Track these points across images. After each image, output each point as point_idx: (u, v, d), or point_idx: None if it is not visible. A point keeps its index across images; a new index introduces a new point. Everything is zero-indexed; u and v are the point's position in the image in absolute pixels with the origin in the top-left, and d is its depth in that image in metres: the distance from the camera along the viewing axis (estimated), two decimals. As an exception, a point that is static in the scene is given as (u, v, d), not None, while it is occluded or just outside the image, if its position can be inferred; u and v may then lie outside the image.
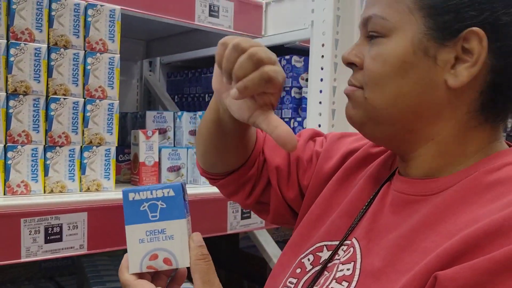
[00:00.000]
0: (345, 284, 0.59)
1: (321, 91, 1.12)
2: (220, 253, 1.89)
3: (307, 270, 0.66)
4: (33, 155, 0.92)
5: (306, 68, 1.42)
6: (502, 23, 0.53)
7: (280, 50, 1.40)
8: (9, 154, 0.89)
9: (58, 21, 0.93)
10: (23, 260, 0.84)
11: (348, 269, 0.59)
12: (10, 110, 0.89)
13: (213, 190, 0.93)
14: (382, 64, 0.56)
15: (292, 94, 1.41)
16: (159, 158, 1.15)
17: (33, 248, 0.85)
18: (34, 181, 0.92)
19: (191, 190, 1.09)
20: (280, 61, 1.48)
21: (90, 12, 0.96)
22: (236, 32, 1.25)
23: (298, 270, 0.67)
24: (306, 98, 1.36)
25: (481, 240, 0.47)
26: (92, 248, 0.92)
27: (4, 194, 0.90)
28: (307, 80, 1.29)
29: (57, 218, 0.87)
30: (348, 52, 0.61)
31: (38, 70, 0.91)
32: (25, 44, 0.89)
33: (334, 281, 0.59)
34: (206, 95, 1.78)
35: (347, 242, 0.63)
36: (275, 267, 0.73)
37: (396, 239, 0.56)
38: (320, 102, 1.13)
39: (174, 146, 1.23)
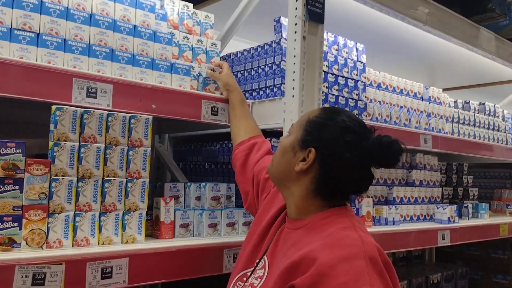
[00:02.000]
0: (259, 279, 1.14)
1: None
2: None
3: (248, 276, 1.21)
4: (92, 218, 1.35)
5: (282, 147, 1.89)
6: (326, 153, 1.12)
7: (264, 133, 1.87)
8: (77, 218, 1.32)
9: (112, 129, 1.39)
10: (87, 291, 1.25)
11: (261, 272, 1.16)
12: (79, 189, 1.33)
13: (211, 241, 1.36)
14: (279, 145, 1.25)
15: (272, 167, 1.87)
16: (174, 218, 1.58)
17: (93, 283, 1.26)
18: (92, 236, 1.35)
19: (195, 241, 1.52)
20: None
21: (132, 121, 1.43)
22: (229, 125, 1.73)
23: (244, 278, 1.21)
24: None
25: (297, 266, 1.03)
26: (130, 283, 1.33)
27: (72, 246, 1.32)
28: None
29: (109, 262, 1.29)
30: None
31: (98, 161, 1.36)
32: (90, 145, 1.35)
33: (254, 278, 1.16)
34: (206, 164, 2.24)
35: (264, 257, 1.20)
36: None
37: (281, 255, 1.12)
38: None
39: (184, 208, 1.66)
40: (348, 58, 2.19)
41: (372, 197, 2.35)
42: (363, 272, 0.99)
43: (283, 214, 1.27)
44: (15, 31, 1.33)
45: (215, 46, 1.85)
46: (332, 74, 2.09)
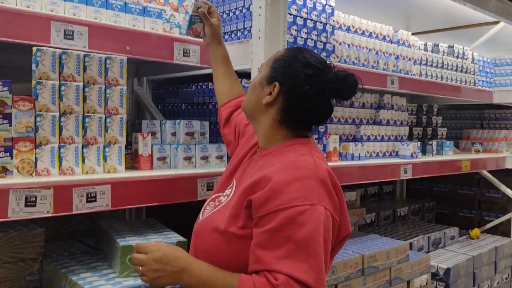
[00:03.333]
0: (226, 197, 1.30)
1: (257, 106, 1.73)
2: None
3: (220, 198, 1.35)
4: (75, 150, 1.50)
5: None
6: (288, 86, 1.26)
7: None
8: (62, 150, 1.47)
9: (90, 69, 1.51)
10: (74, 212, 1.42)
11: (228, 192, 1.32)
12: (62, 124, 1.47)
13: (186, 171, 1.53)
14: (250, 83, 1.40)
15: (243, 106, 2.01)
16: (152, 152, 1.74)
17: (79, 206, 1.43)
18: (76, 166, 1.50)
19: (172, 172, 1.68)
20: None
21: (108, 61, 1.55)
22: (202, 66, 1.85)
23: (216, 200, 1.35)
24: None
25: (257, 184, 1.17)
26: (113, 206, 1.50)
27: (59, 174, 1.47)
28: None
29: (93, 188, 1.45)
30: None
31: (78, 98, 1.49)
32: (70, 83, 1.47)
33: (222, 196, 1.33)
34: (183, 105, 2.37)
35: (233, 180, 1.35)
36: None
37: (247, 178, 1.26)
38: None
39: (161, 143, 1.82)
40: (317, 1, 2.28)
41: (340, 135, 2.53)
42: (313, 190, 1.13)
43: (255, 146, 1.41)
44: (-8, -24, 1.41)
45: (187, -10, 1.93)
46: (301, 17, 2.19)
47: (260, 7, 1.73)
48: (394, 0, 3.22)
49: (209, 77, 2.15)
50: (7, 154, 1.36)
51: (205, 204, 1.38)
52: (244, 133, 1.57)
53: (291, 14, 2.11)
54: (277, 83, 1.26)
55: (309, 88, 1.24)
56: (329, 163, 2.28)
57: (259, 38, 1.73)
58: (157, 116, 2.28)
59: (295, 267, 1.06)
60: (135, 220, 1.91)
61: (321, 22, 2.28)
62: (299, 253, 1.07)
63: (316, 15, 2.27)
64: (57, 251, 1.74)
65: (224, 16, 2.13)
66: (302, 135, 1.31)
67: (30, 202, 1.32)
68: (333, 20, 2.36)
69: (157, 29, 1.77)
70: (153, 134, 1.81)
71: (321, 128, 2.34)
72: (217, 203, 1.32)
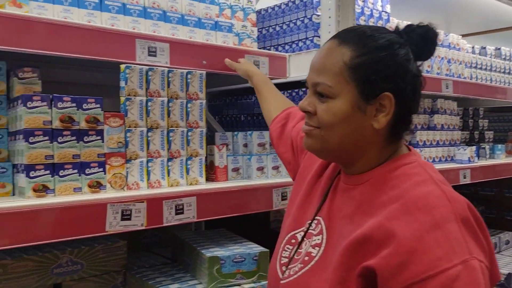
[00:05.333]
0: (317, 249, 0.97)
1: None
2: (253, 234, 2.47)
3: (298, 239, 1.06)
4: (161, 164, 1.53)
5: (316, 96, 2.04)
6: (400, 87, 0.92)
7: (299, 84, 2.02)
8: (149, 164, 1.50)
9: (173, 84, 1.55)
10: (164, 224, 1.45)
11: (318, 239, 0.99)
12: (149, 138, 1.50)
13: (261, 182, 1.55)
14: (333, 116, 0.93)
15: (308, 115, 2.03)
16: (226, 163, 1.76)
17: (169, 218, 1.46)
18: (162, 179, 1.53)
19: (248, 182, 1.70)
20: (298, 92, 2.09)
21: (189, 76, 1.58)
22: (270, 77, 1.87)
23: (293, 240, 1.08)
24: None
25: (369, 240, 0.85)
26: (198, 218, 1.52)
27: (147, 188, 1.51)
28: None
29: (181, 200, 1.48)
30: (303, 103, 0.98)
31: (163, 113, 1.53)
32: (156, 98, 1.51)
33: (311, 247, 0.99)
34: (242, 116, 2.40)
35: (317, 218, 1.04)
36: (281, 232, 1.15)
37: (342, 217, 0.96)
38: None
39: (233, 154, 1.84)
40: (373, 8, 2.29)
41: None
42: (458, 239, 0.81)
43: (332, 167, 1.12)
44: (82, -2, 1.46)
45: (251, 3, 1.97)
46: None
47: (329, 17, 1.75)
48: (433, 3, 3.22)
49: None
50: (101, 169, 1.39)
51: (282, 246, 1.10)
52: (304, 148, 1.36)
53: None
54: (387, 94, 0.91)
55: (416, 71, 0.95)
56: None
57: (330, 47, 1.74)
58: (217, 127, 2.31)
59: None
60: (207, 231, 1.93)
61: (377, 29, 2.29)
62: None
63: (373, 22, 2.28)
64: (137, 263, 1.77)
65: (284, 27, 2.15)
66: (402, 141, 1.02)
67: (126, 215, 1.35)
68: (389, 27, 2.37)
69: (228, 43, 1.80)
70: (226, 145, 1.84)
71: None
72: (303, 255, 1.01)
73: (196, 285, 1.53)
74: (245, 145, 1.85)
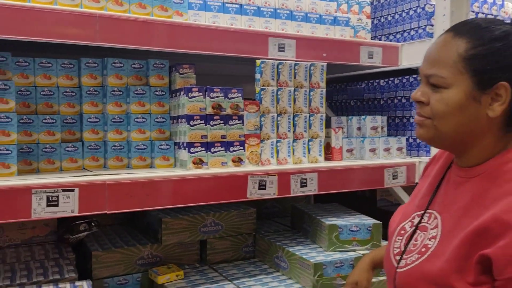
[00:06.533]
0: (433, 241, 1.01)
1: (441, 101, 1.86)
2: (360, 210, 2.64)
3: (407, 230, 1.10)
4: (288, 144, 1.79)
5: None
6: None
7: (410, 72, 2.14)
8: (278, 144, 1.77)
9: (298, 75, 1.79)
10: (291, 195, 1.71)
11: (434, 232, 1.02)
12: (278, 122, 1.77)
13: (373, 162, 1.73)
14: (446, 106, 0.96)
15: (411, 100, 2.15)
16: (342, 144, 1.97)
17: (295, 189, 1.71)
18: (289, 157, 1.80)
19: (362, 162, 1.90)
20: (408, 78, 2.22)
21: (312, 68, 1.81)
22: (383, 65, 2.03)
23: (402, 231, 1.12)
24: (428, 103, 2.10)
25: (486, 231, 0.88)
26: (319, 191, 1.76)
27: (277, 164, 1.78)
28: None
29: (305, 175, 1.73)
30: (416, 93, 1.01)
31: (290, 101, 1.78)
32: (284, 88, 1.77)
33: (427, 239, 1.02)
34: (352, 101, 2.57)
35: (429, 211, 1.07)
36: (391, 226, 1.19)
37: (456, 209, 0.99)
38: (441, 108, 1.86)
39: (348, 136, 2.04)
40: (487, -6, 2.31)
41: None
42: None
43: (443, 161, 1.15)
44: (226, 4, 1.75)
45: (365, -4, 2.13)
46: (473, 11, 2.24)
47: (444, 8, 1.85)
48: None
49: (378, 75, 2.32)
50: (242, 147, 1.69)
51: (392, 240, 1.14)
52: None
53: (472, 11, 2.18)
54: (503, 83, 0.94)
55: None
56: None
57: (443, 37, 1.85)
58: (328, 113, 2.52)
59: None
60: (323, 204, 2.17)
61: (492, 15, 2.30)
62: None
63: (487, 8, 2.30)
64: (263, 228, 2.07)
65: (397, 16, 2.27)
66: None
67: (262, 186, 1.63)
68: (504, 12, 2.36)
69: (345, 36, 1.99)
70: (341, 128, 2.04)
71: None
72: (420, 246, 1.04)
73: (317, 248, 1.79)
74: (359, 128, 2.04)
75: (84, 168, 1.66)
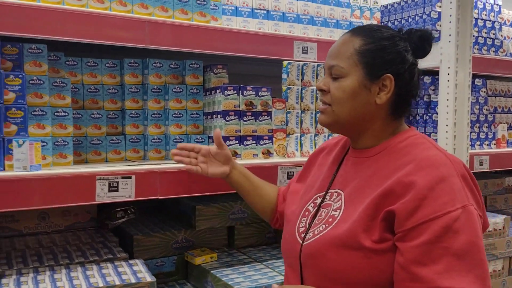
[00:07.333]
0: (338, 211, 1.12)
1: (448, 100, 2.05)
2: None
3: (310, 211, 1.20)
4: (310, 138, 1.97)
5: (431, 83, 2.34)
6: (399, 71, 1.12)
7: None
8: (302, 138, 1.95)
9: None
10: (314, 184, 1.88)
11: (338, 204, 1.14)
12: (302, 118, 1.94)
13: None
14: (343, 92, 1.13)
15: (424, 99, 2.35)
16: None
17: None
18: (311, 150, 1.97)
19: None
20: (415, 79, 2.40)
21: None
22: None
23: (306, 213, 1.21)
24: (433, 101, 2.29)
25: (391, 192, 1.02)
26: (339, 181, 1.94)
27: (301, 156, 1.95)
28: (433, 90, 2.23)
29: (326, 166, 1.90)
30: (319, 83, 1.19)
31: (313, 99, 1.95)
32: (308, 87, 1.94)
33: (333, 211, 1.13)
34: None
35: (331, 191, 1.19)
36: (288, 215, 1.29)
37: (358, 183, 1.13)
38: (447, 106, 2.05)
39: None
40: (486, 2, 2.51)
41: (504, 123, 2.72)
42: (460, 189, 1.01)
43: (339, 149, 1.30)
44: (255, 10, 1.92)
45: (376, 3, 2.31)
46: (474, 18, 2.44)
47: (450, 15, 2.04)
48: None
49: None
50: (270, 141, 1.86)
51: (299, 217, 1.22)
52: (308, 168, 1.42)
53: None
54: (388, 75, 1.11)
55: (411, 60, 1.14)
56: (498, 150, 2.51)
57: (449, 41, 2.04)
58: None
59: (462, 280, 0.95)
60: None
61: (490, 21, 2.51)
62: (463, 264, 0.96)
63: (485, 15, 2.50)
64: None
65: (403, 21, 2.46)
66: (403, 120, 1.21)
67: (290, 175, 1.81)
68: (500, 18, 2.57)
69: (359, 39, 2.17)
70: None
71: (490, 117, 2.57)
72: (326, 218, 1.14)
73: (335, 233, 1.96)
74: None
75: (126, 159, 1.81)
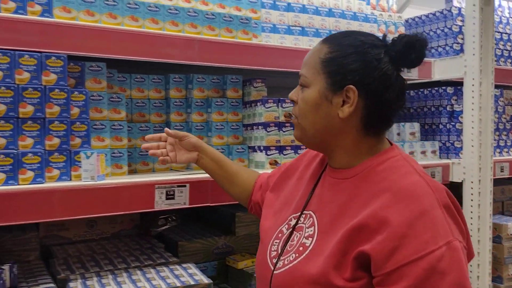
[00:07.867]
0: (310, 239, 1.01)
1: (473, 109, 2.16)
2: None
3: (284, 233, 1.10)
4: (343, 147, 2.06)
5: (454, 93, 2.45)
6: (366, 82, 0.98)
7: (440, 83, 2.44)
8: (335, 147, 2.05)
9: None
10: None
11: (311, 230, 1.02)
12: (335, 128, 2.04)
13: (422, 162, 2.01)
14: (305, 104, 1.03)
15: (447, 109, 2.45)
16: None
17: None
18: (344, 159, 2.07)
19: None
20: (437, 89, 2.51)
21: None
22: (419, 78, 2.32)
23: (280, 235, 1.11)
24: (456, 111, 2.40)
25: (364, 227, 0.91)
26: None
27: (333, 165, 2.05)
28: (455, 100, 2.34)
29: (360, 174, 2.00)
30: (291, 93, 1.09)
31: (345, 110, 2.06)
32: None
33: (304, 238, 1.03)
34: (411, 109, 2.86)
35: (305, 212, 1.08)
36: (262, 231, 1.19)
37: (333, 209, 1.01)
38: (472, 115, 2.16)
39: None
40: (502, 16, 2.63)
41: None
42: (443, 223, 0.90)
43: (317, 163, 1.18)
44: (291, 27, 2.03)
45: (400, 18, 2.42)
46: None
47: (473, 30, 2.15)
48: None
49: (410, 86, 2.63)
50: (277, 151, 1.95)
51: (271, 241, 1.13)
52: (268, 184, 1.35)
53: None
54: (351, 86, 0.98)
55: (388, 69, 0.99)
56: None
57: (473, 54, 2.15)
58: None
59: None
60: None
61: (506, 33, 2.62)
62: None
63: (502, 28, 2.62)
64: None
65: (425, 34, 2.58)
66: (384, 137, 1.07)
67: (326, 183, 1.90)
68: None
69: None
70: (382, 134, 2.33)
71: (507, 126, 2.67)
72: (297, 245, 1.04)
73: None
74: (398, 134, 2.33)
75: (171, 170, 1.91)
